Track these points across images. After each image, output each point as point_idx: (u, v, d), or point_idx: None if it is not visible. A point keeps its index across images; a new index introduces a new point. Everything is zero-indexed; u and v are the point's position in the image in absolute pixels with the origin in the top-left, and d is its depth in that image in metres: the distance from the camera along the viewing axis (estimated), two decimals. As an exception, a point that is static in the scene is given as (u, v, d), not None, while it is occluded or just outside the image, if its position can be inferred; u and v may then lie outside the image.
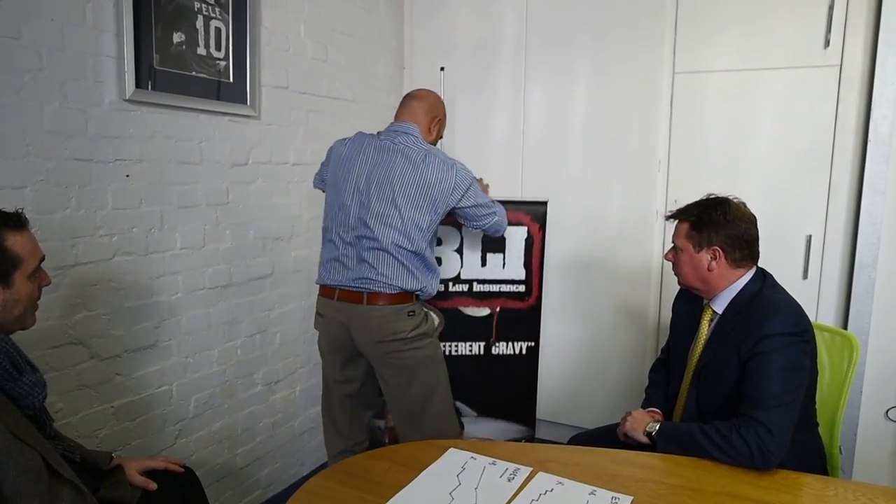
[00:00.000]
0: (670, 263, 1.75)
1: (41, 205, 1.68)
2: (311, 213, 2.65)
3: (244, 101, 2.26)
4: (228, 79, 2.19)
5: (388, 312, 1.95)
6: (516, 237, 2.66)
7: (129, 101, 1.87)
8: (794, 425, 1.43)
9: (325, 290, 2.04)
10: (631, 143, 2.80)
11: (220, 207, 2.23)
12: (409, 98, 2.11)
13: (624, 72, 2.77)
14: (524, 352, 2.74)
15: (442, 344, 2.50)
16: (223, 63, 2.17)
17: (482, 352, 2.71)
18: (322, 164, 2.19)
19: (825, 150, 2.46)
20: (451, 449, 1.50)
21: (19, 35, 1.60)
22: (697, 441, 1.46)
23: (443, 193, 1.95)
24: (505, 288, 2.69)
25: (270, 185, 2.44)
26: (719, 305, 1.66)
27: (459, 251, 2.65)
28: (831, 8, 2.39)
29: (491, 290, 2.68)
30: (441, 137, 2.18)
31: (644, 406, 1.90)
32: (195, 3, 2.04)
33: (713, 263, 1.62)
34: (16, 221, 1.22)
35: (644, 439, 1.60)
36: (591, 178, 2.89)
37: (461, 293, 2.69)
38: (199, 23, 2.06)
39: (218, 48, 2.14)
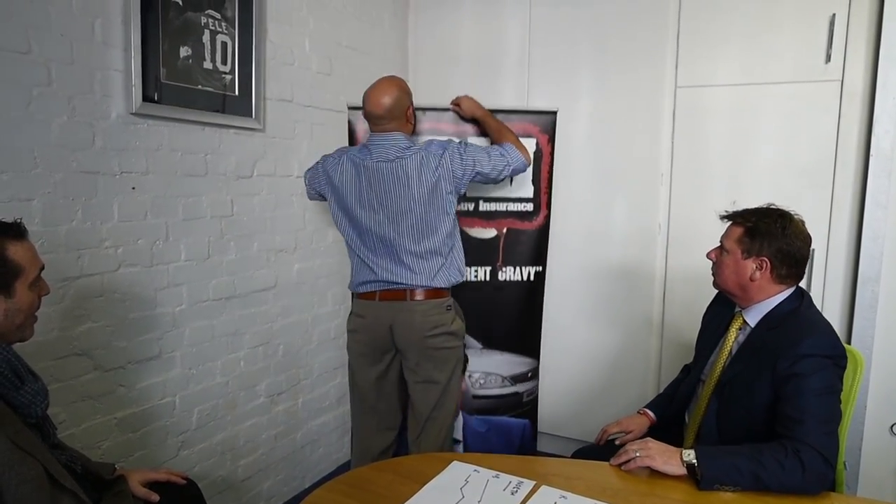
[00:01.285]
0: (707, 265, 1.71)
1: (48, 217, 1.69)
2: (315, 226, 2.67)
3: (249, 115, 2.28)
4: (234, 92, 2.22)
5: (431, 306, 2.08)
6: None
7: (135, 114, 1.89)
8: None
9: (364, 294, 2.14)
10: (633, 156, 2.81)
11: (224, 219, 2.25)
12: (375, 119, 2.05)
13: (626, 85, 2.79)
14: (531, 278, 2.58)
15: None
16: (229, 77, 2.19)
17: (488, 277, 2.56)
18: (310, 174, 2.21)
19: (827, 164, 2.46)
20: (455, 462, 1.50)
21: (29, 50, 1.62)
22: (749, 469, 1.35)
23: (451, 178, 2.02)
24: (512, 206, 2.53)
25: (275, 197, 2.45)
26: (752, 317, 1.62)
27: None
28: (832, 23, 2.40)
29: (498, 209, 2.52)
30: (412, 122, 2.16)
31: (649, 404, 1.92)
32: (202, 18, 2.07)
33: (757, 273, 1.58)
34: (16, 231, 1.23)
35: (681, 471, 1.40)
36: (593, 191, 2.90)
37: (467, 212, 2.54)
38: (206, 37, 2.09)
39: (224, 62, 2.17)
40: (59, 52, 1.69)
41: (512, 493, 1.36)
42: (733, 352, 1.65)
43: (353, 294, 2.21)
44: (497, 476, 1.43)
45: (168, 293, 2.07)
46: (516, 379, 2.64)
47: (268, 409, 2.52)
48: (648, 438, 1.51)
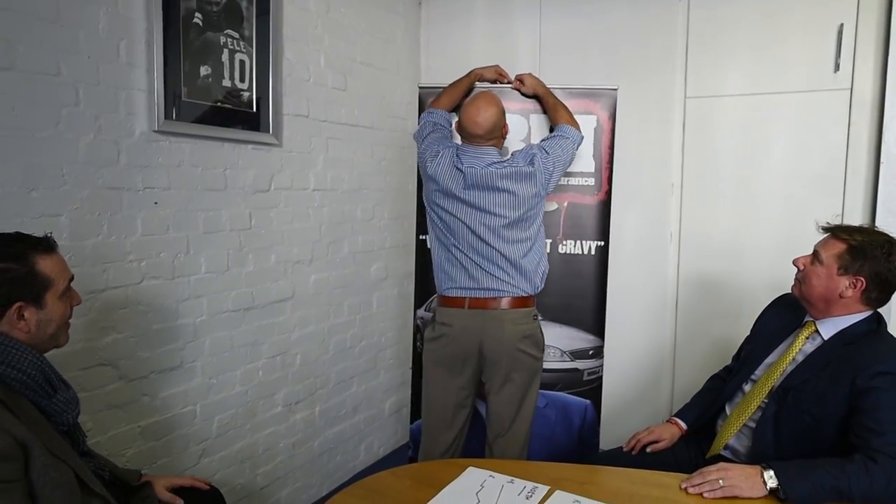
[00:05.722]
0: (796, 270, 1.67)
1: (76, 232, 1.76)
2: (331, 238, 2.72)
3: (267, 130, 2.34)
4: (252, 109, 2.28)
5: (520, 315, 2.08)
6: (585, 127, 2.42)
7: (158, 131, 1.95)
8: None
9: (452, 301, 2.11)
10: (644, 166, 2.83)
11: (243, 232, 2.30)
12: (470, 137, 2.10)
13: (636, 96, 2.82)
14: (593, 252, 2.52)
15: None
16: (247, 94, 2.26)
17: (548, 249, 2.48)
18: (424, 132, 2.23)
19: (838, 173, 2.48)
20: (470, 467, 1.53)
21: (59, 72, 1.69)
22: (832, 483, 1.35)
23: (543, 182, 2.09)
24: (573, 181, 2.51)
25: (292, 210, 2.51)
26: (827, 329, 1.60)
27: (527, 140, 2.45)
28: (840, 33, 2.43)
29: (559, 182, 2.41)
30: (505, 136, 2.21)
31: (679, 413, 1.89)
32: (221, 37, 2.14)
33: (849, 291, 1.55)
34: (45, 245, 1.28)
35: (763, 493, 1.39)
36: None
37: None
38: (225, 56, 2.16)
39: (242, 80, 2.23)
40: (86, 73, 1.76)
41: (527, 498, 1.39)
42: (798, 359, 1.63)
43: (437, 299, 2.20)
44: (512, 481, 1.46)
45: (189, 305, 2.12)
46: (576, 355, 2.55)
47: (286, 418, 2.56)
48: (726, 464, 1.46)
